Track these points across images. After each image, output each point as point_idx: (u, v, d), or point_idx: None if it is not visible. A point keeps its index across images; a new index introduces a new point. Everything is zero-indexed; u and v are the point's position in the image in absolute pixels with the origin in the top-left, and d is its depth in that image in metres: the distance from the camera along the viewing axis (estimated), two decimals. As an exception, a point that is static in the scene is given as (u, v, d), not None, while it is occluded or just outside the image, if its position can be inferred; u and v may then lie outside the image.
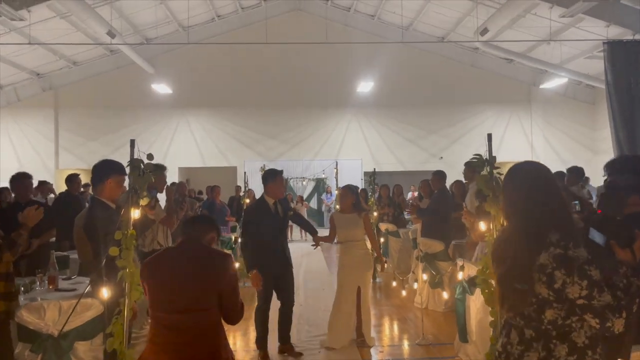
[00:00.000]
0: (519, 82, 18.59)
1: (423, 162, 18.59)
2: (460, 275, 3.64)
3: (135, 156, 2.78)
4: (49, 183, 10.47)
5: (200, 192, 11.95)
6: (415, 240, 7.04)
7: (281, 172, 4.63)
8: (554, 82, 16.93)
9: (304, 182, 18.84)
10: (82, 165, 18.07)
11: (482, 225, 3.00)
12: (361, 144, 18.80)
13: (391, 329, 5.39)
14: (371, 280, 5.02)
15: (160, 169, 4.23)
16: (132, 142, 2.86)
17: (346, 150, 18.71)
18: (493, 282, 2.84)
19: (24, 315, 2.84)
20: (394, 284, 6.55)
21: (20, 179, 4.71)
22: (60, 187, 10.74)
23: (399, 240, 8.07)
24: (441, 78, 18.00)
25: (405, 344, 4.90)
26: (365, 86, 16.72)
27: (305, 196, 18.83)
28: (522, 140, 19.03)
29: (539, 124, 19.09)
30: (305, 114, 18.37)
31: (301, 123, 18.51)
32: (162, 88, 16.68)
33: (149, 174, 2.81)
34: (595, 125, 18.56)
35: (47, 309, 2.88)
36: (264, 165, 17.14)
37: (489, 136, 3.12)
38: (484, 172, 2.96)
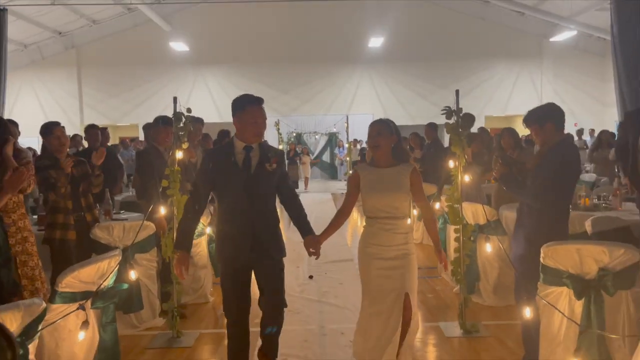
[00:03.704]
0: (530, 35, 18.67)
1: (433, 117, 19.00)
2: (437, 206, 4.43)
3: (178, 110, 3.57)
4: (79, 136, 11.39)
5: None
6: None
7: (256, 99, 2.74)
8: (564, 35, 17.07)
9: (317, 137, 19.53)
10: (105, 121, 18.97)
11: (451, 163, 3.78)
12: (372, 98, 19.27)
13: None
14: (415, 283, 2.95)
15: (198, 121, 4.94)
16: (175, 99, 3.66)
17: (358, 105, 19.23)
18: (457, 206, 3.65)
19: (97, 233, 3.73)
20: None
21: (89, 129, 5.84)
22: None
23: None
24: (452, 32, 18.14)
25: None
26: (375, 41, 17.10)
27: (317, 150, 19.52)
28: (532, 93, 19.29)
29: (548, 77, 19.29)
30: (318, 69, 18.82)
31: (313, 78, 19.01)
32: (179, 46, 17.27)
33: (187, 124, 3.61)
34: (604, 77, 18.67)
35: (114, 228, 3.77)
36: (278, 120, 17.95)
37: (457, 92, 3.84)
38: (452, 121, 3.69)
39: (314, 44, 18.29)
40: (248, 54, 18.47)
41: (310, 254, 2.82)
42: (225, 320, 2.85)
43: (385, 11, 17.06)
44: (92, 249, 3.77)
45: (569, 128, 14.48)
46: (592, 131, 14.70)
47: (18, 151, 3.59)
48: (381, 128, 2.90)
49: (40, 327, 1.94)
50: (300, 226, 2.86)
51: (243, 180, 2.71)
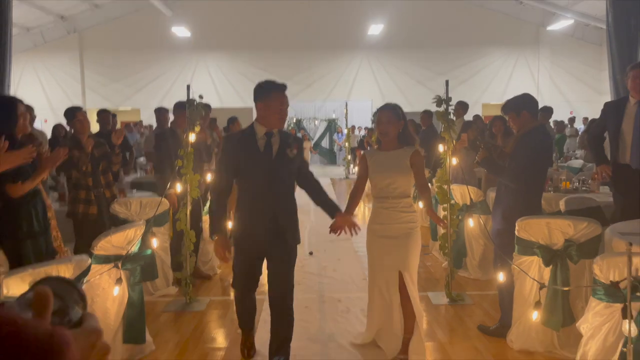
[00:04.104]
0: (528, 24, 18.87)
1: (431, 103, 19.35)
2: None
3: (191, 97, 3.90)
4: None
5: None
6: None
7: (281, 85, 2.78)
8: (561, 24, 17.29)
9: (316, 123, 19.82)
10: (107, 104, 19.19)
11: (441, 147, 4.13)
12: (372, 85, 19.51)
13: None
14: (416, 259, 3.08)
15: (207, 107, 5.26)
16: (188, 87, 3.98)
17: (357, 92, 19.48)
18: (445, 187, 4.00)
19: (117, 208, 4.08)
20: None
21: (101, 113, 6.12)
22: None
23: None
24: (451, 20, 18.34)
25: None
26: (375, 29, 17.32)
27: (317, 136, 19.81)
28: (529, 81, 19.53)
29: (545, 65, 19.51)
30: (318, 56, 19.04)
31: (314, 65, 19.23)
32: (181, 31, 17.46)
33: (200, 109, 3.95)
34: (601, 66, 18.92)
35: (132, 204, 4.12)
36: (279, 105, 18.13)
37: (447, 82, 4.16)
38: (442, 109, 4.03)
39: (314, 31, 18.48)
40: (249, 40, 18.65)
41: (346, 230, 2.89)
42: (232, 291, 3.13)
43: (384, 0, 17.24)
44: (111, 223, 4.12)
45: (566, 117, 14.80)
46: (585, 119, 15.02)
47: (30, 134, 3.92)
48: (391, 116, 3.04)
49: (85, 280, 2.30)
50: (326, 206, 2.94)
51: (265, 166, 2.72)
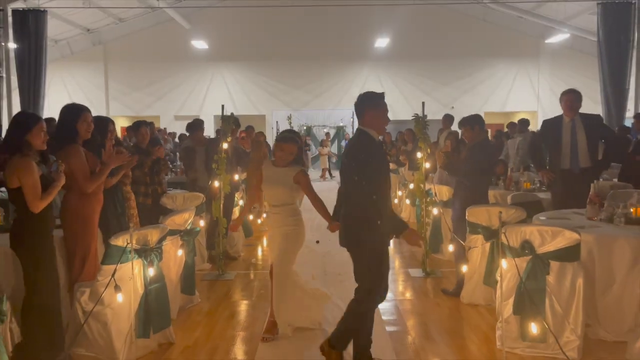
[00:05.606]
0: (528, 37, 19.77)
1: (436, 112, 20.35)
2: (411, 186, 5.94)
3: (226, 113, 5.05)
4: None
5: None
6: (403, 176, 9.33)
7: (383, 94, 3.10)
8: (559, 37, 18.22)
9: (326, 130, 20.97)
10: (129, 112, 20.54)
11: (419, 154, 5.23)
12: (379, 94, 20.56)
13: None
14: (288, 255, 3.64)
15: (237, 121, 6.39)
16: (222, 107, 5.13)
17: (365, 101, 20.52)
18: (422, 185, 5.12)
19: (165, 200, 5.23)
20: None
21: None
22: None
23: (398, 176, 10.32)
24: (455, 33, 19.32)
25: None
26: (381, 42, 18.44)
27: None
28: (529, 91, 20.48)
29: (545, 76, 20.38)
30: (328, 67, 20.15)
31: (324, 75, 20.35)
32: (199, 44, 18.69)
33: (231, 123, 5.10)
34: (597, 77, 19.72)
35: (177, 198, 5.27)
36: (290, 114, 19.34)
37: (423, 104, 5.25)
38: (419, 123, 5.13)
39: (325, 44, 19.53)
40: (263, 52, 19.75)
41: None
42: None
43: (391, 13, 18.31)
44: (161, 212, 5.28)
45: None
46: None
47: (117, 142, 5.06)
48: (293, 148, 3.57)
49: (164, 242, 3.46)
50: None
51: (388, 169, 3.12)
